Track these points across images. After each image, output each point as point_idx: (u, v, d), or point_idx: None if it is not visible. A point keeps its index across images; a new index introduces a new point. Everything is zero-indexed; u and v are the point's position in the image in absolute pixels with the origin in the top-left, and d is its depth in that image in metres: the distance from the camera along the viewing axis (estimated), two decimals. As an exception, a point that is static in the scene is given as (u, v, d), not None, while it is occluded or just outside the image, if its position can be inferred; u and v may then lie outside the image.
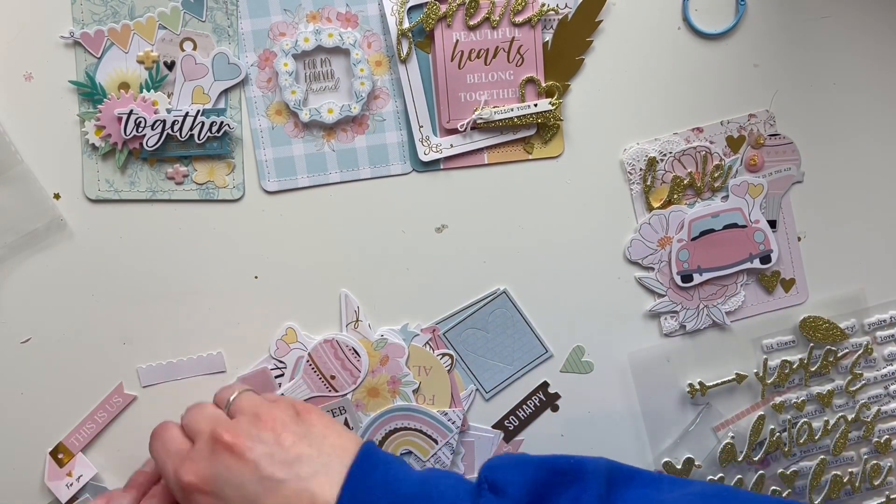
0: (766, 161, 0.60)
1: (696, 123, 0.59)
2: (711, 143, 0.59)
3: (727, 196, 0.60)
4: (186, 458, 0.48)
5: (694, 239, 0.60)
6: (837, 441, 0.63)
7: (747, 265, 0.60)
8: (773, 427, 0.63)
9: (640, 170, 0.58)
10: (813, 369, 0.62)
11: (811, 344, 0.62)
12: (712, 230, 0.60)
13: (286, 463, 0.46)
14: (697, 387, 0.61)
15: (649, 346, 0.61)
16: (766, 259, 0.61)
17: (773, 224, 0.61)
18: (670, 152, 0.58)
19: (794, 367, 0.62)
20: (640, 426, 0.62)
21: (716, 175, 0.59)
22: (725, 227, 0.60)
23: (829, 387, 0.63)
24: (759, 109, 0.59)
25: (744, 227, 0.60)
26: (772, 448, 0.63)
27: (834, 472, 0.64)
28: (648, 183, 0.59)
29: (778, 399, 0.63)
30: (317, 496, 0.45)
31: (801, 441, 0.63)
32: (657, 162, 0.58)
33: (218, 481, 0.46)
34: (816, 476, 0.64)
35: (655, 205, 0.59)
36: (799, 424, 0.63)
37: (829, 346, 0.62)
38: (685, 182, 0.59)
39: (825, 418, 0.63)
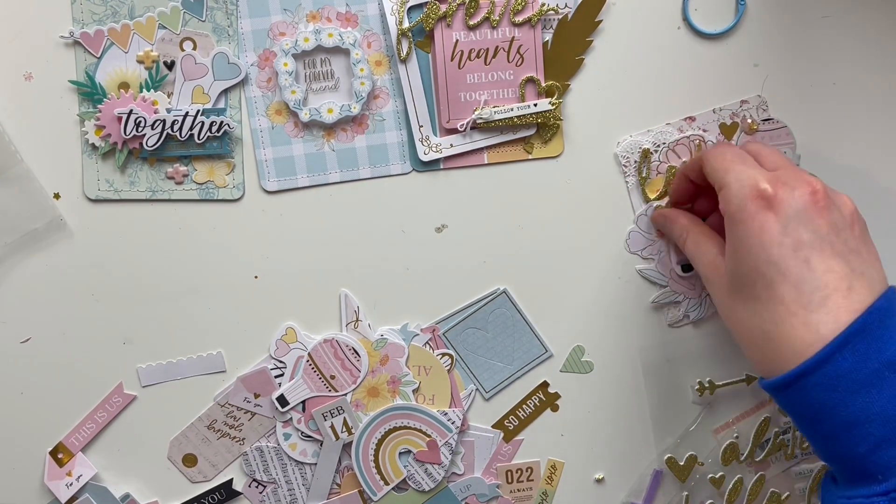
0: None
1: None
2: (704, 131, 0.59)
3: None
4: (767, 176, 0.48)
5: None
6: None
7: None
8: (776, 430, 0.62)
9: (635, 162, 0.58)
10: None
11: None
12: None
13: (847, 246, 0.47)
14: (707, 385, 0.61)
15: (650, 346, 0.61)
16: None
17: None
18: (664, 143, 0.58)
19: None
20: (640, 426, 0.62)
21: None
22: None
23: None
24: (751, 95, 0.59)
25: None
26: (774, 450, 0.63)
27: None
28: (644, 175, 0.59)
29: None
30: (855, 291, 0.45)
31: (805, 445, 0.63)
32: (651, 153, 0.58)
33: (790, 212, 0.46)
34: (816, 480, 0.64)
35: (652, 196, 0.59)
36: None
37: None
38: None
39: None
